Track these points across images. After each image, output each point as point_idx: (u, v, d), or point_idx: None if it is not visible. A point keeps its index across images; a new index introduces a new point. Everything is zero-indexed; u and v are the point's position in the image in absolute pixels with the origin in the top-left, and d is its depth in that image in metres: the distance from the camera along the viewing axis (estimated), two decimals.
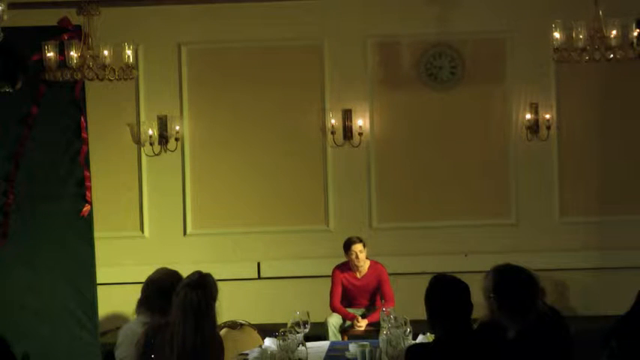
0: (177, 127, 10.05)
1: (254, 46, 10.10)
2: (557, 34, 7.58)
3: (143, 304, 5.71)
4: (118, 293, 9.47)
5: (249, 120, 10.13)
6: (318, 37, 10.12)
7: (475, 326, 5.27)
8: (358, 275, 8.78)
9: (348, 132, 10.02)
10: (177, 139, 10.05)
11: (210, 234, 10.10)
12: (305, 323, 6.28)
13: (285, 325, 6.28)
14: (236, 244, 10.07)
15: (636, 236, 9.83)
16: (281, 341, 6.07)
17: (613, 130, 9.98)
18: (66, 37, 7.96)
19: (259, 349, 6.43)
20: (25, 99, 8.22)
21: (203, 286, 5.13)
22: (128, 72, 7.81)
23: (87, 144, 8.45)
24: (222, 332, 6.68)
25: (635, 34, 7.42)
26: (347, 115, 10.02)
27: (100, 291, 8.62)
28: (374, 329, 8.34)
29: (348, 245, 8.70)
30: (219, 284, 5.25)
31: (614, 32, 7.40)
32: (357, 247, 8.67)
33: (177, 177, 10.14)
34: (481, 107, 10.07)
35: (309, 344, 6.35)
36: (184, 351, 5.05)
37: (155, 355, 5.14)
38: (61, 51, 7.76)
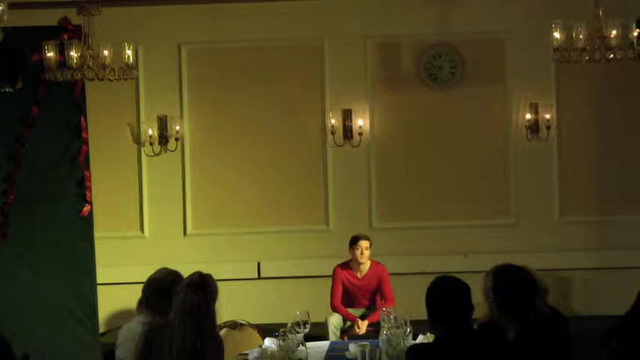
0: (177, 127, 10.05)
1: (254, 46, 10.10)
2: (557, 34, 7.58)
3: (143, 304, 5.72)
4: (118, 293, 9.47)
5: (249, 120, 10.13)
6: (318, 37, 10.12)
7: (475, 326, 5.28)
8: (359, 275, 8.79)
9: (348, 132, 10.02)
10: (177, 139, 10.05)
11: (210, 234, 10.10)
12: (305, 323, 6.29)
13: (285, 325, 6.28)
14: (236, 244, 10.08)
15: (636, 236, 9.83)
16: (281, 341, 6.08)
17: (613, 130, 9.98)
18: (66, 37, 7.97)
19: (259, 349, 6.44)
20: (25, 99, 8.22)
21: (203, 286, 5.13)
22: (128, 72, 7.81)
23: (87, 144, 8.45)
24: (222, 332, 6.69)
25: (635, 34, 7.42)
26: (347, 115, 10.02)
27: (100, 291, 8.62)
28: (374, 329, 8.34)
29: (355, 240, 8.72)
30: (219, 284, 5.26)
31: (614, 32, 7.40)
32: (364, 244, 8.68)
33: (177, 177, 10.14)
34: (481, 107, 10.07)
35: (309, 344, 6.35)
36: (184, 351, 5.05)
37: (155, 355, 5.14)
38: (61, 51, 7.77)
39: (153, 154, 10.03)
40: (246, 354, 6.42)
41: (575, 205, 10.02)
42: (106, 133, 9.86)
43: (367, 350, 6.16)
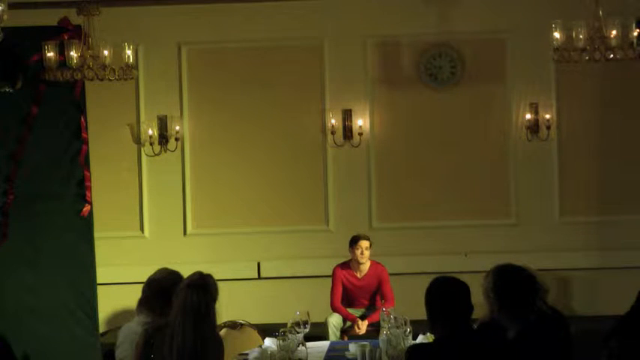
0: (177, 127, 10.06)
1: (254, 46, 10.10)
2: (557, 34, 7.58)
3: (143, 304, 5.71)
4: (118, 293, 9.47)
5: (249, 120, 10.13)
6: (318, 37, 10.12)
7: (475, 326, 5.28)
8: (359, 275, 8.79)
9: (348, 132, 10.02)
10: (177, 139, 10.05)
11: (210, 234, 10.10)
12: (305, 323, 6.29)
13: (285, 325, 6.28)
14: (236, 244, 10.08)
15: (636, 236, 9.83)
16: (281, 341, 6.08)
17: (613, 130, 9.98)
18: (66, 37, 7.97)
19: (259, 349, 6.43)
20: (25, 99, 8.22)
21: (203, 286, 5.13)
22: (128, 72, 7.82)
23: (87, 144, 8.45)
24: (222, 332, 6.69)
25: (635, 34, 7.42)
26: (347, 115, 10.03)
27: (100, 291, 8.62)
28: (374, 329, 8.34)
29: (355, 240, 8.71)
30: (219, 284, 5.26)
31: (614, 32, 7.40)
32: (364, 244, 8.68)
33: (178, 177, 10.14)
34: (481, 107, 10.07)
35: (309, 344, 6.35)
36: (184, 351, 5.05)
37: (154, 355, 5.14)
38: (61, 51, 7.77)
39: (153, 154, 10.03)
40: (246, 354, 6.41)
41: (575, 205, 10.02)
42: (106, 133, 9.87)
43: (367, 350, 6.16)
